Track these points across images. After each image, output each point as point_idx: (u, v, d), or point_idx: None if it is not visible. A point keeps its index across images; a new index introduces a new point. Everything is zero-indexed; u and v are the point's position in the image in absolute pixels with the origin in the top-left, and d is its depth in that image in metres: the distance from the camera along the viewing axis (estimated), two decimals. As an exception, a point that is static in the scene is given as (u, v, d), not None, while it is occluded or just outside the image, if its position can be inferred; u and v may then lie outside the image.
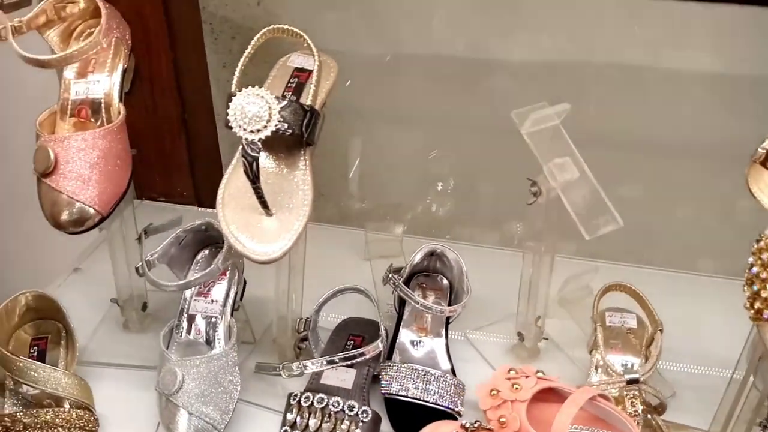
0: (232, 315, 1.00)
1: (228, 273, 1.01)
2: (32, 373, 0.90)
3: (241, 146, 0.86)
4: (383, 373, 0.97)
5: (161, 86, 1.24)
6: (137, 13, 1.14)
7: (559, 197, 0.89)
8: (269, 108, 0.80)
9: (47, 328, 1.02)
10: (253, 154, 0.81)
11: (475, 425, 0.88)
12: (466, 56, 1.34)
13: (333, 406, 0.91)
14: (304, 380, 0.98)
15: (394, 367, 0.97)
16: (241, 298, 1.03)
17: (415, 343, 1.03)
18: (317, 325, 1.04)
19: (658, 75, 1.27)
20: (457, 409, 0.95)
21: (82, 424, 0.91)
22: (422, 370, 0.97)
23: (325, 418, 0.91)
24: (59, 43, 0.95)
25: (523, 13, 1.29)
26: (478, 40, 1.32)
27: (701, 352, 1.07)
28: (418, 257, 1.05)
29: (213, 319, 0.99)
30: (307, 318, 1.02)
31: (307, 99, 0.89)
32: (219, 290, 1.01)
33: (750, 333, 0.85)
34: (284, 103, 0.85)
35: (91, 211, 0.89)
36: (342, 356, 0.93)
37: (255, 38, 0.91)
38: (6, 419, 0.88)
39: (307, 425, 0.90)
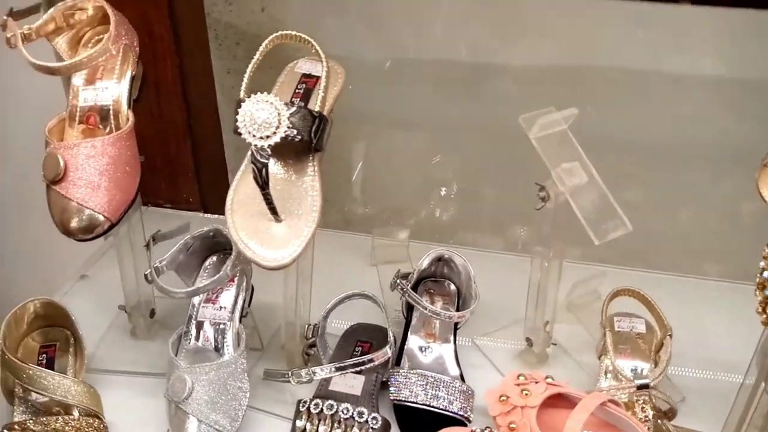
0: (240, 321, 1.00)
1: (236, 279, 1.01)
2: (42, 380, 0.90)
3: (249, 152, 0.86)
4: (392, 380, 0.97)
5: (167, 92, 1.25)
6: (143, 18, 1.14)
7: (567, 202, 0.89)
8: (278, 114, 0.80)
9: (55, 335, 1.02)
10: (262, 160, 0.81)
11: (486, 431, 0.88)
12: (469, 61, 1.34)
13: (343, 412, 0.91)
14: (312, 387, 0.98)
15: (403, 373, 0.97)
16: (249, 305, 1.03)
17: (423, 349, 1.03)
18: (325, 331, 1.04)
19: (662, 79, 1.27)
20: (466, 415, 0.95)
21: (91, 432, 0.91)
22: (432, 376, 0.96)
23: (335, 425, 0.91)
24: (67, 50, 0.95)
25: (526, 18, 1.29)
26: (481, 44, 1.32)
27: (708, 356, 1.07)
28: (425, 263, 1.05)
29: (221, 326, 0.99)
30: (316, 324, 1.02)
31: (315, 105, 0.90)
32: (227, 297, 1.01)
33: (761, 338, 0.85)
34: (293, 109, 0.85)
35: (101, 218, 0.89)
36: (351, 362, 0.93)
37: (263, 44, 0.91)
38: (16, 427, 0.88)
39: (316, 432, 0.90)
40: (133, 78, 0.96)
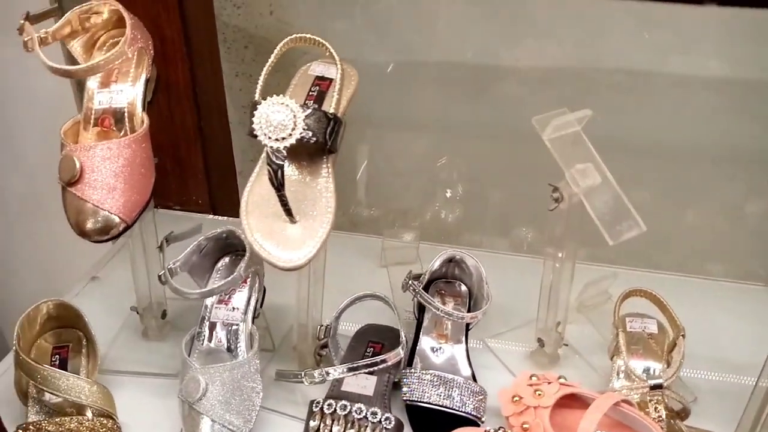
0: (253, 322, 1.00)
1: (249, 280, 1.01)
2: (56, 381, 0.90)
3: (264, 154, 0.86)
4: (405, 380, 0.98)
5: (178, 95, 1.25)
6: (154, 22, 1.14)
7: (580, 203, 0.89)
8: (294, 116, 0.81)
9: (68, 336, 1.02)
10: (278, 162, 0.81)
11: (499, 431, 0.88)
12: (474, 63, 1.34)
13: (356, 413, 0.91)
14: (323, 388, 0.98)
15: (416, 374, 0.98)
16: (261, 306, 1.04)
17: (435, 349, 1.03)
18: (337, 332, 1.04)
19: (667, 80, 1.27)
20: (479, 416, 0.96)
21: (105, 432, 0.91)
22: (445, 377, 0.97)
23: (349, 425, 0.91)
24: (83, 54, 0.96)
25: (531, 20, 1.30)
26: (486, 46, 1.33)
27: (717, 356, 1.07)
28: (437, 264, 1.05)
29: (234, 327, 0.99)
30: (328, 325, 1.02)
31: (329, 107, 0.90)
32: (240, 298, 1.01)
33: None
34: (309, 111, 0.85)
35: (116, 219, 0.89)
36: (365, 363, 0.93)
37: (278, 47, 0.92)
38: (31, 427, 0.88)
39: (330, 432, 0.91)
40: (147, 81, 0.97)
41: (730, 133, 1.29)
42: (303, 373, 0.94)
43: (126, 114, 0.95)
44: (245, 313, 1.00)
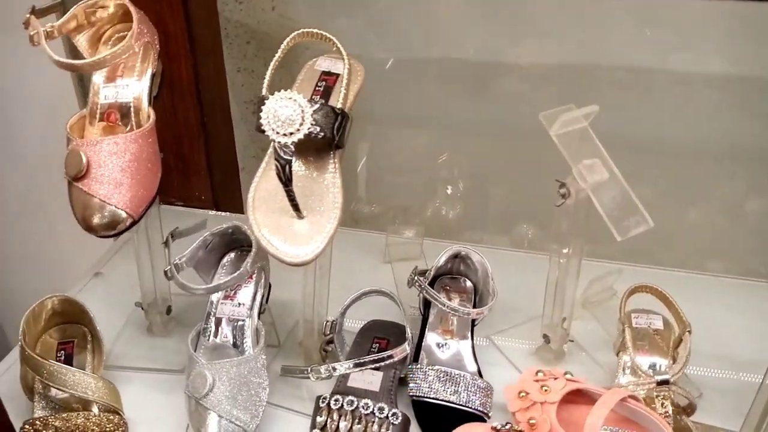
0: (258, 318, 1.00)
1: (255, 276, 1.01)
2: (62, 377, 0.90)
3: (270, 150, 0.86)
4: (411, 376, 0.98)
5: (181, 91, 1.25)
6: (157, 17, 1.13)
7: (587, 199, 0.89)
8: (302, 111, 0.81)
9: (73, 332, 1.02)
10: (285, 157, 0.81)
11: (507, 427, 0.88)
12: (475, 60, 1.35)
13: (363, 408, 0.91)
14: (329, 384, 0.98)
15: (423, 370, 0.98)
16: (266, 301, 1.03)
17: (441, 345, 1.03)
18: (342, 328, 1.04)
19: (668, 77, 1.27)
20: (486, 411, 0.96)
21: (112, 428, 0.91)
22: (451, 373, 0.97)
23: (356, 421, 0.91)
24: (88, 48, 0.95)
25: (532, 17, 1.30)
26: (487, 43, 1.33)
27: (720, 352, 1.07)
28: (442, 259, 1.05)
29: (240, 323, 0.99)
30: (333, 320, 1.02)
31: (337, 102, 0.90)
32: (246, 293, 1.01)
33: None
34: (316, 106, 0.85)
35: (123, 214, 0.89)
36: (371, 359, 0.93)
37: (285, 42, 0.91)
38: (38, 422, 0.88)
39: (337, 428, 0.90)
40: (153, 75, 0.96)
41: (731, 130, 1.29)
42: (309, 369, 0.94)
43: (132, 109, 0.95)
44: (251, 308, 1.00)
